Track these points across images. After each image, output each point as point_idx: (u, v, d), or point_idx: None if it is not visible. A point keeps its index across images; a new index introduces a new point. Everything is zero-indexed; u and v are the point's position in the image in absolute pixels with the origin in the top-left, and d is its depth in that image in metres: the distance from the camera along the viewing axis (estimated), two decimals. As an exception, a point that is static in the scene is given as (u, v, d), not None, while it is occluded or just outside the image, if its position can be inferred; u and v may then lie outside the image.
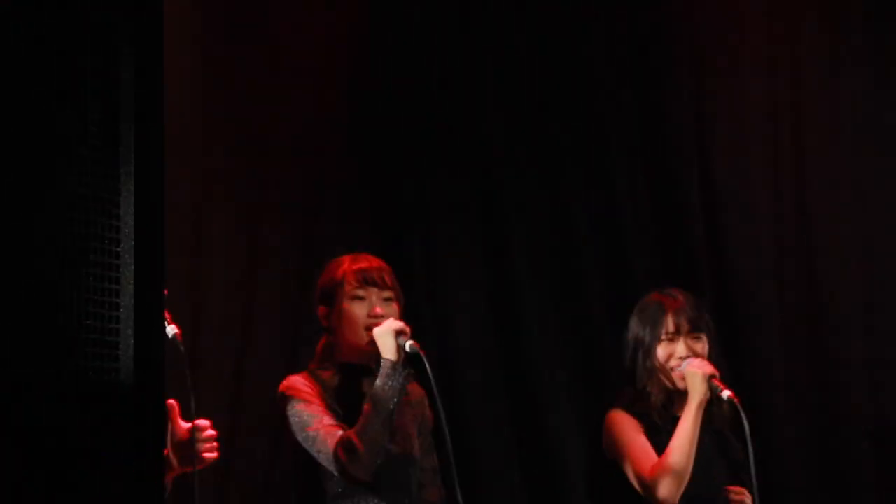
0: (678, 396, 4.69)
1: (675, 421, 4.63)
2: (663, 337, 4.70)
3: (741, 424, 4.52)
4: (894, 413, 5.97)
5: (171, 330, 3.97)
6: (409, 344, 4.31)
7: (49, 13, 2.69)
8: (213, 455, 3.88)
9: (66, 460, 2.56)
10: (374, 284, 4.47)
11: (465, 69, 5.98)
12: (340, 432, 4.30)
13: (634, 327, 4.75)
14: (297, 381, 4.43)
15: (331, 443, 4.29)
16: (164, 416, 2.81)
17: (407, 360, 4.34)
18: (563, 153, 6.08)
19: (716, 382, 4.59)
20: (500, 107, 6.01)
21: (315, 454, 4.32)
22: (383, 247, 5.22)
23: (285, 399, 4.40)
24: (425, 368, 4.26)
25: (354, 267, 4.49)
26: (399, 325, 4.35)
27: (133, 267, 2.69)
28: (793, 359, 6.03)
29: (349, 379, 4.45)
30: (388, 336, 4.33)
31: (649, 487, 4.56)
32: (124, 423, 2.63)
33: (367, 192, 5.84)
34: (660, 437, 4.63)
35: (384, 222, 5.82)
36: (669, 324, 4.70)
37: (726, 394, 4.56)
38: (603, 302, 5.87)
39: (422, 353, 4.27)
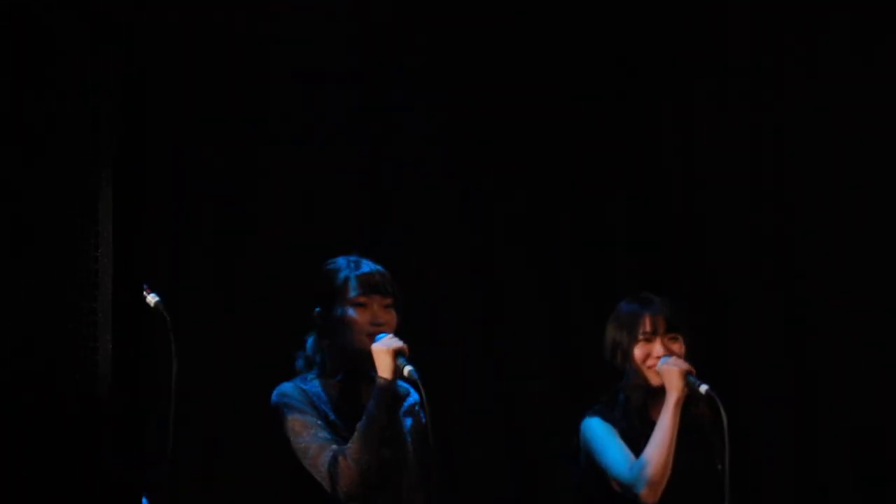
0: (655, 398, 4.69)
1: (652, 425, 4.63)
2: (640, 337, 4.70)
3: (719, 419, 4.53)
4: (874, 415, 5.99)
5: (154, 298, 3.99)
6: (408, 369, 4.20)
7: (32, 19, 2.71)
8: None
9: (42, 461, 2.57)
10: (377, 291, 4.36)
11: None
12: (334, 447, 4.23)
13: (612, 331, 4.76)
14: (291, 389, 4.34)
15: (324, 459, 4.22)
16: (140, 419, 2.81)
17: (402, 380, 4.25)
18: (548, 159, 6.10)
19: (693, 378, 4.60)
20: (485, 104, 6.03)
21: (309, 468, 4.25)
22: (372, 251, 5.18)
23: (279, 407, 4.31)
24: (420, 394, 4.18)
25: (357, 272, 4.37)
26: (398, 343, 4.25)
27: (112, 272, 2.69)
28: (773, 362, 6.06)
29: (347, 386, 4.37)
30: (386, 354, 4.23)
31: (629, 487, 4.56)
32: (101, 426, 2.64)
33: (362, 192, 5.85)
34: (637, 442, 4.63)
35: (373, 227, 5.82)
36: (647, 324, 4.70)
37: (704, 388, 4.56)
38: (587, 308, 5.88)
39: (419, 382, 4.18)
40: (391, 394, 4.24)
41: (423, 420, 4.34)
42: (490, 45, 6.06)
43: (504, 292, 6.05)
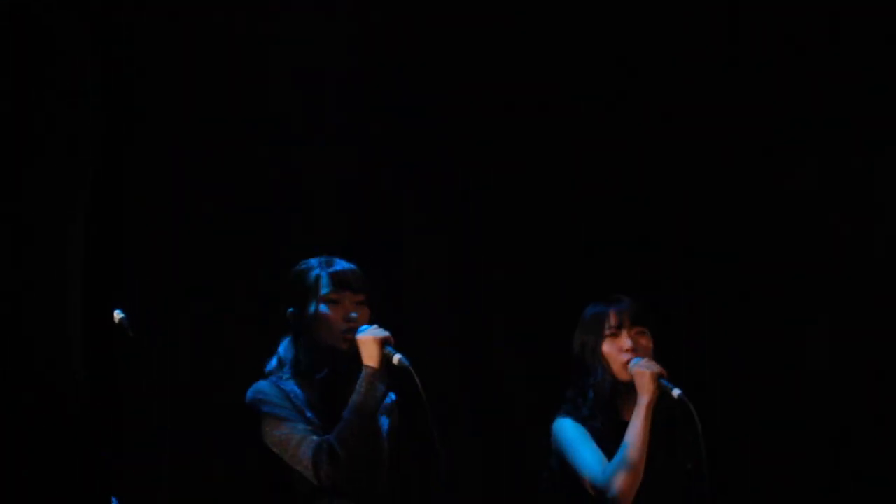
0: (624, 396, 4.70)
1: (621, 426, 4.63)
2: (607, 332, 4.72)
3: (693, 423, 4.52)
4: (855, 418, 6.00)
5: (118, 314, 4.00)
6: (398, 357, 4.24)
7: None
8: None
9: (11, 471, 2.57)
10: (349, 287, 4.40)
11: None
12: (316, 437, 4.25)
13: (579, 335, 4.78)
14: (265, 387, 4.37)
15: (306, 448, 4.24)
16: (115, 428, 2.81)
17: (389, 370, 4.27)
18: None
19: (666, 381, 4.60)
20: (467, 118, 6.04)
21: (289, 459, 4.26)
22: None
23: (255, 405, 4.34)
24: (414, 381, 4.18)
25: (328, 270, 4.42)
26: (384, 333, 4.30)
27: (84, 282, 2.68)
28: (754, 364, 6.07)
29: (323, 385, 4.39)
30: (372, 344, 4.28)
31: (602, 490, 4.56)
32: (73, 435, 2.64)
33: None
34: (607, 444, 4.63)
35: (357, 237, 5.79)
36: (612, 318, 4.73)
37: (677, 392, 4.57)
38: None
39: (411, 369, 4.21)
40: (378, 383, 4.27)
41: (414, 410, 4.34)
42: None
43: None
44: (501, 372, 6.02)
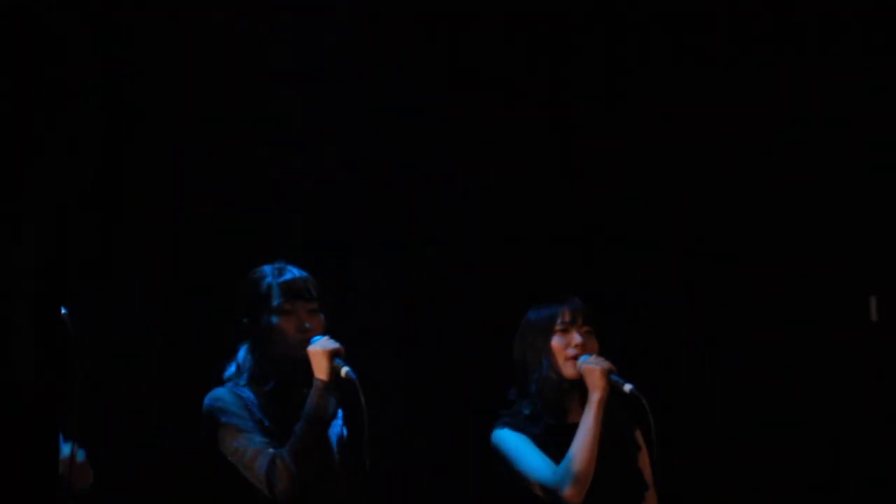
0: (570, 399, 4.70)
1: (569, 429, 4.62)
2: (558, 327, 4.71)
3: (646, 418, 4.49)
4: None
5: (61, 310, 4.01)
6: (345, 370, 4.24)
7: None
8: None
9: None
10: (301, 297, 4.39)
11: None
12: (271, 450, 4.25)
13: (524, 335, 4.76)
14: (224, 395, 4.37)
15: (261, 461, 4.24)
16: (56, 429, 2.82)
17: (338, 382, 4.26)
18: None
19: (616, 377, 4.59)
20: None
21: (244, 471, 4.27)
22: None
23: (214, 413, 4.34)
24: (358, 394, 4.19)
25: (280, 280, 4.40)
26: (334, 345, 4.29)
27: (32, 284, 2.69)
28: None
29: (279, 394, 4.38)
30: (322, 356, 4.27)
31: (554, 490, 4.54)
32: (18, 433, 2.64)
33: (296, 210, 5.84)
34: (549, 448, 4.61)
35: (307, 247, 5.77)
36: (565, 315, 4.72)
37: (628, 387, 4.55)
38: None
39: (356, 382, 4.20)
40: (328, 395, 4.26)
41: (355, 423, 4.34)
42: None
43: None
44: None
